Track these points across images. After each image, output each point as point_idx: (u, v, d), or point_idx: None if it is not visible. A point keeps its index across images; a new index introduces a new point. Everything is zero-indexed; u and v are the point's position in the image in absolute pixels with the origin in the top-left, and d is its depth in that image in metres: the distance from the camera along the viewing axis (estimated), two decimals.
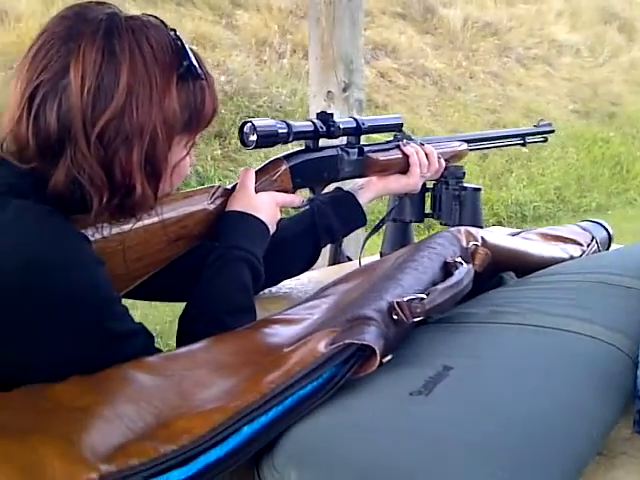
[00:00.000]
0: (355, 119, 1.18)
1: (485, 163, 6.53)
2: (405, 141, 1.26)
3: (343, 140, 1.19)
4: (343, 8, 2.48)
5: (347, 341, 0.72)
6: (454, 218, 1.38)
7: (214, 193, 1.03)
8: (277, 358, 0.75)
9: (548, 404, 0.66)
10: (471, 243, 0.99)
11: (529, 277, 1.04)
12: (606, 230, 1.34)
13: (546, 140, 1.56)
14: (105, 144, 0.83)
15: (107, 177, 0.84)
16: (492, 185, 6.25)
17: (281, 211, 1.10)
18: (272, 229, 1.05)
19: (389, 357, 0.77)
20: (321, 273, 1.33)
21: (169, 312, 2.98)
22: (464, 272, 0.88)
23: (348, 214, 1.20)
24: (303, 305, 0.97)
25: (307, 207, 1.17)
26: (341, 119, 1.16)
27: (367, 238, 1.26)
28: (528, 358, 0.74)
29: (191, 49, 0.90)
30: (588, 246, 1.26)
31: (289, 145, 1.11)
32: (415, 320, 0.80)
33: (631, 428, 0.73)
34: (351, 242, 1.36)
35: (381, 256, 1.40)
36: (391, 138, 1.27)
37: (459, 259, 0.93)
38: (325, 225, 1.17)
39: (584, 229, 1.32)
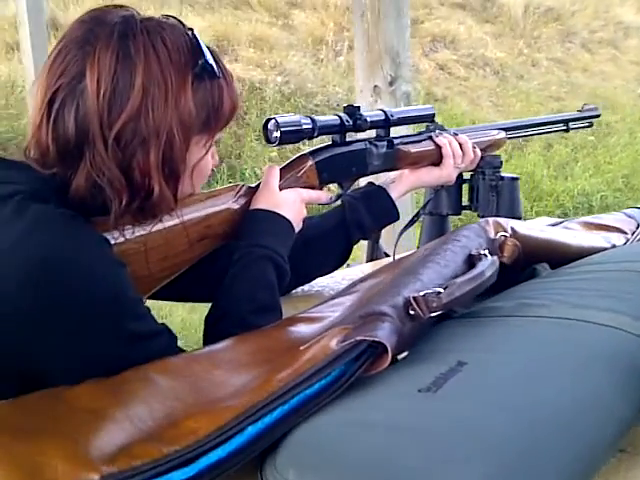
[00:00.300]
0: (384, 111, 1.16)
1: (550, 153, 6.37)
2: (438, 132, 1.23)
3: (373, 133, 1.17)
4: (388, 1, 2.45)
5: (358, 338, 0.71)
6: (491, 209, 1.35)
7: (238, 192, 1.03)
8: (291, 356, 0.74)
9: (560, 398, 0.63)
10: (499, 234, 0.96)
11: (564, 268, 1.00)
12: None
13: (591, 125, 1.50)
14: (122, 147, 0.83)
15: (126, 179, 0.84)
16: (557, 175, 6.09)
17: (309, 208, 1.09)
18: (297, 226, 1.04)
19: (405, 354, 0.75)
20: (356, 270, 1.31)
21: None
22: (487, 264, 0.85)
23: (380, 209, 1.18)
24: (329, 303, 0.96)
25: (338, 203, 1.15)
26: (369, 112, 1.14)
27: (401, 232, 1.24)
28: (544, 352, 0.71)
29: (209, 48, 0.90)
30: (633, 234, 1.21)
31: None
32: (433, 315, 0.78)
33: None
34: (388, 237, 1.33)
35: None
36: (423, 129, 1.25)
37: (484, 251, 0.90)
38: (356, 221, 1.16)
39: (630, 216, 1.27)
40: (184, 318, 3.10)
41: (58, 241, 0.78)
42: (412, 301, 0.77)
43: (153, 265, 0.93)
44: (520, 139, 5.69)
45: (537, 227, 1.10)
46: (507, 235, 0.96)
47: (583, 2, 8.91)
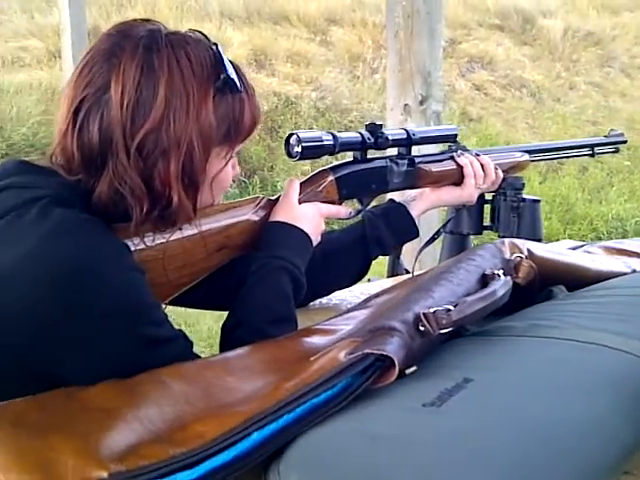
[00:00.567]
0: (406, 130, 1.18)
1: (584, 176, 6.33)
2: (460, 152, 1.24)
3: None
4: (422, 21, 2.47)
5: (366, 351, 0.72)
6: (512, 230, 1.35)
7: (258, 204, 1.05)
8: (301, 366, 0.76)
9: (563, 420, 0.63)
10: (515, 255, 0.96)
11: (580, 291, 1.00)
12: None
13: (617, 151, 1.50)
14: (144, 156, 0.86)
15: (147, 188, 0.87)
16: (592, 199, 6.04)
17: (327, 223, 1.10)
18: (315, 240, 1.06)
19: (413, 368, 0.76)
20: (376, 285, 1.32)
21: None
22: (500, 284, 0.86)
23: (399, 226, 1.19)
24: (343, 316, 0.97)
25: (358, 218, 1.17)
26: (391, 130, 1.15)
27: (421, 250, 1.25)
28: (551, 372, 0.72)
29: (232, 62, 0.92)
30: None
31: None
32: (442, 332, 0.79)
33: None
34: (408, 254, 1.34)
35: None
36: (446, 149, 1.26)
37: (499, 271, 0.91)
38: (375, 237, 1.17)
39: None
40: (210, 327, 3.13)
41: (79, 245, 0.81)
42: (422, 317, 0.78)
43: (171, 272, 0.95)
44: (555, 161, 5.65)
45: (555, 249, 1.10)
46: (523, 256, 0.97)
47: (624, 27, 8.84)
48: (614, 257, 1.20)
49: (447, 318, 0.78)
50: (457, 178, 1.23)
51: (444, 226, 1.33)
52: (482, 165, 1.25)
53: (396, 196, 1.24)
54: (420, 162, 1.20)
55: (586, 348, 0.77)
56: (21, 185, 0.86)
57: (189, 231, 0.96)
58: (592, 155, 1.46)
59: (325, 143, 1.07)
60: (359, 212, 1.16)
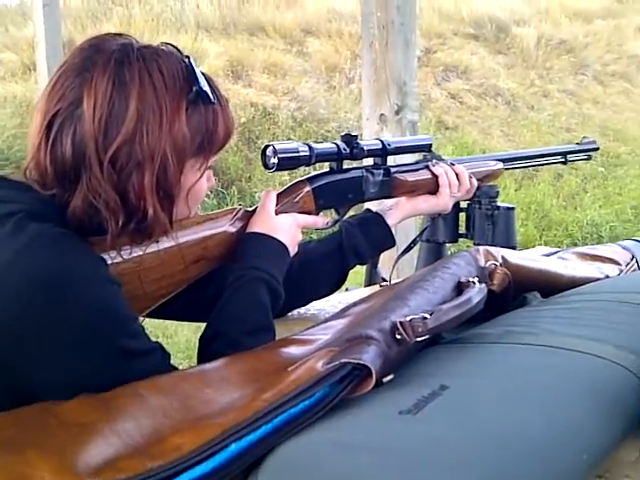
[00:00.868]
0: (381, 140, 1.19)
1: (559, 183, 6.39)
2: (434, 161, 1.25)
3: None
4: (396, 32, 2.49)
5: (343, 360, 0.72)
6: (487, 238, 1.37)
7: (235, 215, 1.05)
8: (278, 377, 0.76)
9: (537, 424, 0.64)
10: (489, 263, 0.97)
11: (554, 297, 1.01)
12: None
13: (590, 158, 1.52)
14: (118, 169, 0.86)
15: (122, 201, 0.87)
16: (566, 205, 6.11)
17: (305, 233, 1.11)
18: (293, 250, 1.06)
19: (390, 377, 0.77)
20: (354, 294, 1.33)
21: None
22: (475, 292, 0.87)
23: (376, 235, 1.20)
24: (322, 325, 0.97)
25: (336, 228, 1.17)
26: (366, 140, 1.16)
27: (398, 259, 1.26)
28: (526, 378, 0.73)
29: (204, 74, 0.93)
30: (627, 265, 1.22)
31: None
32: (419, 340, 0.79)
33: (638, 452, 0.71)
34: (386, 263, 1.35)
35: None
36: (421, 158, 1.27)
37: (474, 279, 0.92)
38: (352, 246, 1.18)
39: (625, 248, 1.28)
40: (189, 338, 3.12)
41: (55, 258, 0.81)
42: (399, 325, 0.79)
43: (148, 285, 0.95)
44: (530, 169, 5.70)
45: (530, 256, 1.11)
46: (497, 264, 0.98)
47: (596, 35, 8.97)
48: (588, 263, 1.21)
49: (423, 326, 0.79)
50: (432, 187, 1.24)
51: (420, 235, 1.34)
52: (457, 174, 1.26)
53: (373, 206, 1.25)
54: (396, 172, 1.21)
55: (560, 353, 0.78)
56: None
57: (166, 243, 0.96)
58: (565, 163, 1.49)
59: (301, 154, 1.07)
60: (336, 222, 1.16)
